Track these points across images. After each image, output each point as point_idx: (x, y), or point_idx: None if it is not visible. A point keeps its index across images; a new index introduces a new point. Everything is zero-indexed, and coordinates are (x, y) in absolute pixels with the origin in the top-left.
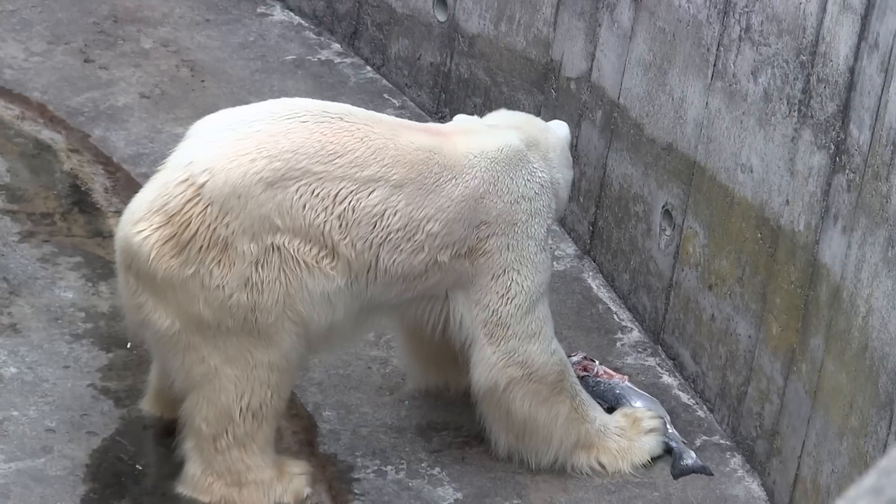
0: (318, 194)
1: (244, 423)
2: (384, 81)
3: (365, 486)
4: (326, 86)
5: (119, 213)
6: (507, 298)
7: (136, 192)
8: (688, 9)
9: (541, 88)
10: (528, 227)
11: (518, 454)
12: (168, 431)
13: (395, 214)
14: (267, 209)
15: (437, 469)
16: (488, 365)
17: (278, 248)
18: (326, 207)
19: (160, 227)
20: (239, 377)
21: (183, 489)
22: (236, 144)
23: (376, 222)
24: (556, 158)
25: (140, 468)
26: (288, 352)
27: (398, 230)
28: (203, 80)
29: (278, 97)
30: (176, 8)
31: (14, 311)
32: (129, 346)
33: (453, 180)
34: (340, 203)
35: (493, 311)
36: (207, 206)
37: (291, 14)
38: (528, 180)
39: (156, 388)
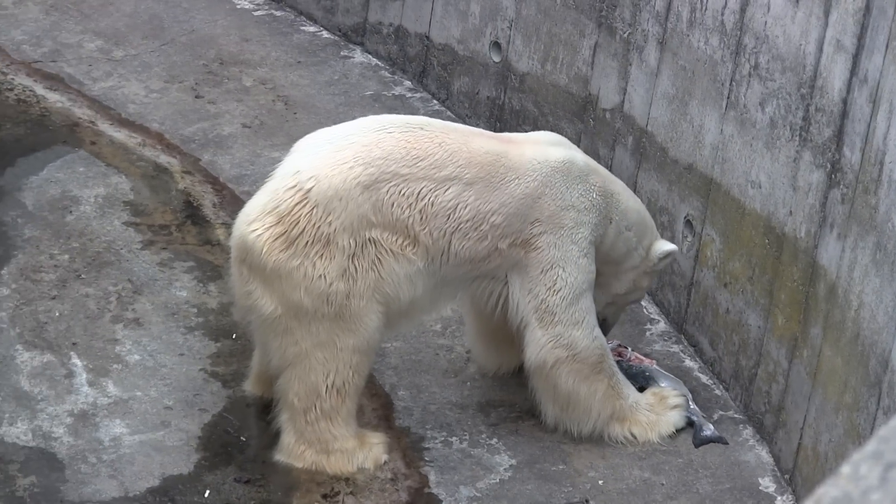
0: (404, 193)
1: (330, 398)
2: (448, 113)
3: (434, 454)
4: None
5: (225, 225)
6: (554, 290)
7: (240, 206)
8: (705, 50)
9: (580, 118)
10: (573, 233)
11: (563, 424)
12: (267, 408)
13: (465, 208)
14: (364, 209)
15: (495, 440)
16: (538, 346)
17: (373, 241)
18: (411, 204)
19: (272, 226)
20: (327, 358)
21: (280, 457)
22: (336, 155)
23: (450, 214)
24: (623, 204)
25: (244, 440)
26: (371, 334)
27: (467, 221)
28: (295, 113)
29: None
30: (272, 52)
31: (137, 307)
32: (234, 336)
33: (516, 180)
34: (422, 200)
35: (542, 300)
36: (314, 208)
37: (370, 56)
38: (582, 194)
39: (257, 371)
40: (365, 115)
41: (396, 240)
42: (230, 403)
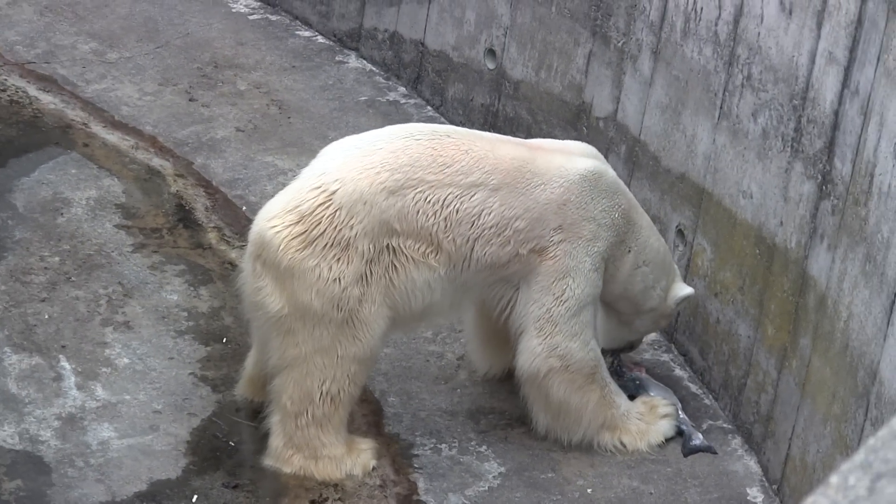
0: (429, 200)
1: (323, 405)
2: (442, 120)
3: (423, 461)
4: (394, 123)
5: (217, 228)
6: (561, 301)
7: (233, 211)
8: (698, 60)
9: (574, 126)
10: (589, 245)
11: (553, 432)
12: (257, 413)
13: (490, 214)
14: (388, 215)
15: (484, 447)
16: (533, 354)
17: (393, 248)
18: (436, 212)
19: (292, 224)
20: (325, 365)
21: (268, 461)
22: (363, 160)
23: (474, 221)
24: (644, 238)
25: (233, 444)
26: (375, 342)
27: (491, 227)
28: (289, 117)
29: (353, 132)
30: (267, 56)
31: (127, 310)
32: (224, 340)
33: (542, 186)
34: (447, 207)
35: (547, 309)
36: (337, 210)
37: (364, 62)
38: (605, 210)
39: (249, 374)
40: (358, 121)
41: (419, 247)
42: (219, 408)
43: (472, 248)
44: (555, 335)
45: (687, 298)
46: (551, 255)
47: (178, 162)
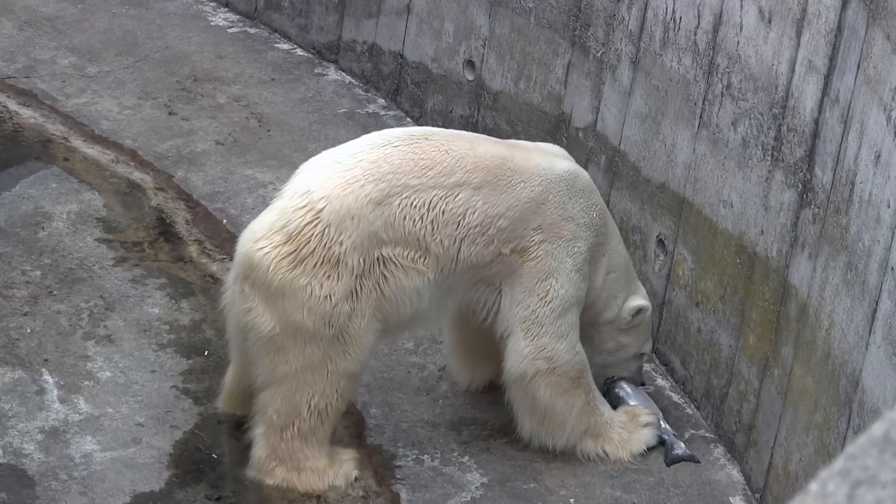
0: (415, 205)
1: (310, 419)
2: None
3: (405, 472)
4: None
5: (198, 241)
6: (546, 301)
7: (213, 224)
8: (678, 69)
9: (554, 137)
10: (569, 245)
11: (537, 437)
12: (239, 426)
13: (474, 213)
14: (376, 226)
15: (467, 458)
16: (520, 356)
17: (382, 259)
18: (423, 216)
19: (280, 244)
20: (315, 380)
21: (251, 473)
22: (346, 174)
23: (459, 221)
24: (614, 243)
25: (215, 457)
26: (365, 357)
27: (476, 226)
28: (269, 130)
29: (333, 144)
30: (246, 69)
31: (109, 324)
32: (206, 353)
33: (522, 184)
34: (433, 209)
35: (532, 311)
36: (325, 228)
37: (343, 74)
38: (583, 210)
39: (230, 388)
40: (338, 133)
41: (408, 254)
42: (202, 421)
43: (459, 249)
44: (541, 336)
45: (643, 310)
46: (533, 255)
47: (159, 175)
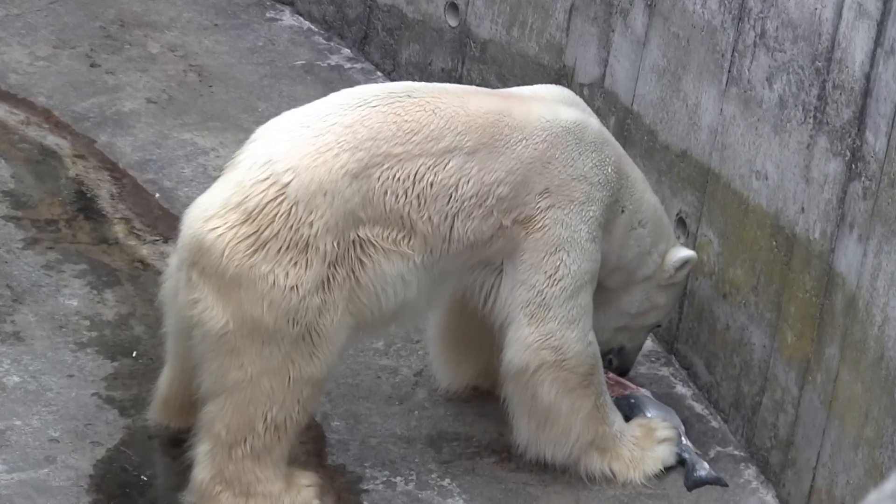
0: (398, 177)
1: (265, 435)
2: None
3: (374, 498)
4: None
5: (125, 220)
6: (555, 279)
7: (143, 198)
8: (702, 14)
9: None
10: (583, 209)
11: (536, 444)
12: (174, 442)
13: (468, 183)
14: (353, 203)
15: (447, 480)
16: (523, 345)
17: (360, 242)
18: (407, 189)
19: (237, 224)
20: (274, 389)
21: (189, 499)
22: (316, 141)
23: (451, 194)
24: (639, 193)
25: (145, 479)
26: (333, 360)
27: (471, 197)
28: (211, 86)
29: (288, 103)
30: (184, 12)
31: (17, 319)
32: (134, 354)
33: (524, 141)
34: (420, 182)
35: (538, 291)
36: (293, 206)
37: (301, 19)
38: (596, 165)
39: (164, 396)
40: (294, 90)
41: (390, 234)
42: (129, 435)
43: (452, 226)
44: (548, 321)
45: (688, 263)
46: (539, 225)
47: (78, 140)
